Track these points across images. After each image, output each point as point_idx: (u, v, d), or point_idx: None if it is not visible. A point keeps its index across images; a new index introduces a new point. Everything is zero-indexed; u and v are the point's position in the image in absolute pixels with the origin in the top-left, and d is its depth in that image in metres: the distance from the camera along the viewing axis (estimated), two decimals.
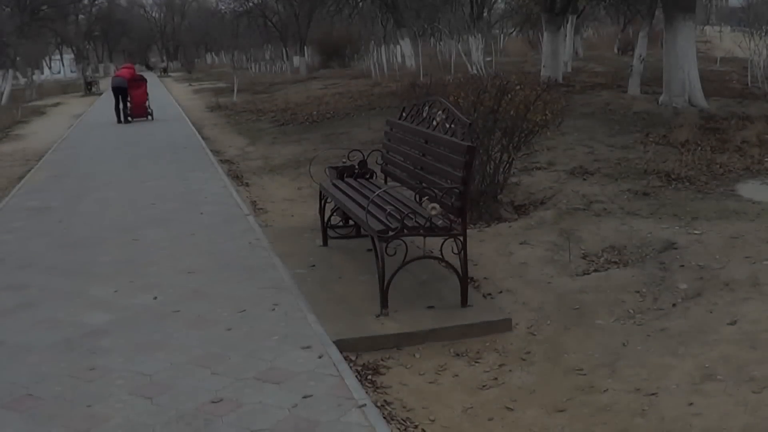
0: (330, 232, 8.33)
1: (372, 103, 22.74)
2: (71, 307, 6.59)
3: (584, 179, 10.95)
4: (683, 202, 9.41)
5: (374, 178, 8.45)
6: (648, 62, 20.78)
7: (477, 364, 5.66)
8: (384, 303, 6.19)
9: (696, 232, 7.91)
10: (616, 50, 40.19)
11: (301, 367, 5.26)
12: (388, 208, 6.44)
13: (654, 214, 8.83)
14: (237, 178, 13.43)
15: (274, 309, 6.38)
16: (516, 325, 6.21)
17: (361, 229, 8.39)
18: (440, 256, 6.40)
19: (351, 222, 8.54)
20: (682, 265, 6.96)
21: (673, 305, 6.35)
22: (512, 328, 6.16)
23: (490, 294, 6.88)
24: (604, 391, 5.15)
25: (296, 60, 52.21)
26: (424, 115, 7.45)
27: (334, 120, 20.36)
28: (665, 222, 8.43)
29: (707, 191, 10.06)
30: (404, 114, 8.09)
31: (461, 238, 6.26)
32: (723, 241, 7.53)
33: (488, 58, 31.86)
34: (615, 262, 7.53)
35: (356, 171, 8.39)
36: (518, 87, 9.32)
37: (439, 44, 42.57)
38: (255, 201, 11.47)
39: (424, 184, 6.60)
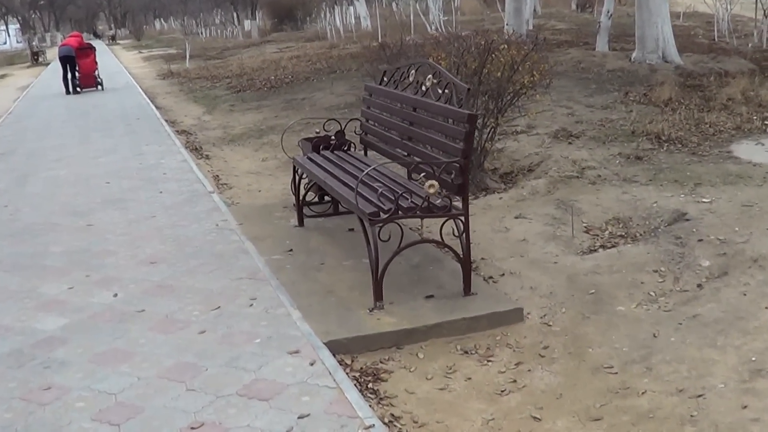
0: (304, 210, 7.55)
1: (332, 66, 21.94)
2: (20, 310, 5.77)
3: (569, 143, 10.29)
4: (680, 166, 8.79)
5: (353, 149, 7.69)
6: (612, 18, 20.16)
7: (490, 364, 4.96)
8: (378, 295, 5.46)
9: (705, 200, 7.27)
10: (574, 6, 39.58)
11: (291, 377, 4.52)
12: (378, 186, 5.71)
13: (653, 181, 8.19)
14: (196, 150, 12.56)
15: (252, 305, 5.62)
16: (527, 315, 5.51)
17: (339, 206, 7.66)
18: (440, 240, 5.67)
19: (327, 198, 7.80)
20: (701, 240, 6.31)
21: (698, 286, 5.70)
22: (524, 319, 5.47)
23: (491, 277, 6.18)
24: (642, 393, 4.48)
25: (247, 24, 50.95)
26: (411, 79, 6.68)
27: (293, 85, 19.52)
28: (668, 189, 7.79)
29: (702, 153, 9.44)
30: (385, 78, 7.31)
31: (462, 219, 5.54)
32: (736, 210, 6.90)
33: (444, 18, 31.13)
34: (622, 236, 6.87)
35: (332, 142, 7.61)
36: (503, 46, 8.56)
37: (395, 4, 41.62)
38: (217, 175, 10.64)
39: (418, 159, 5.83)
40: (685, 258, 6.10)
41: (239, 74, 23.15)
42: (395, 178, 6.21)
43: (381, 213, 5.34)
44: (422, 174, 5.48)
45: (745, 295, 5.36)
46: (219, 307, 5.61)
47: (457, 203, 5.58)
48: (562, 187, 8.20)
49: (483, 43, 8.49)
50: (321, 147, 7.56)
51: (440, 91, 6.08)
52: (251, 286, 5.98)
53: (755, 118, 11.12)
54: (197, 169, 10.42)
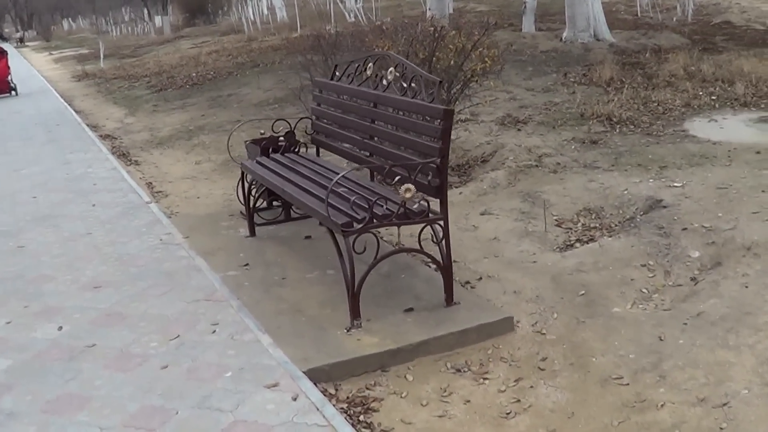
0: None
1: (254, 60, 21.27)
2: None
3: (518, 129, 9.93)
4: (639, 148, 8.50)
5: (305, 151, 7.18)
6: None
7: (487, 382, 4.52)
8: (355, 312, 4.98)
9: (676, 184, 6.97)
10: None
11: (274, 416, 4.03)
12: (343, 191, 5.23)
13: (615, 166, 7.87)
14: (123, 156, 11.84)
15: (214, 331, 5.08)
16: (517, 323, 5.09)
17: (292, 211, 7.15)
18: (419, 248, 5.20)
19: (276, 203, 7.29)
20: (685, 228, 5.97)
21: (692, 279, 5.36)
22: (514, 328, 5.04)
23: (468, 282, 5.74)
24: (661, 405, 4.09)
25: (159, 20, 49.70)
26: (369, 73, 6.18)
27: (217, 81, 18.81)
28: (634, 174, 7.48)
29: (657, 134, 9.18)
30: (338, 73, 6.80)
31: (441, 223, 5.09)
32: (712, 193, 6.60)
33: (359, 5, 30.63)
34: (596, 228, 6.52)
35: (281, 144, 7.08)
36: (453, 32, 8.14)
37: None
38: (150, 182, 9.98)
39: (392, 162, 5.34)
40: (672, 249, 5.75)
41: (158, 72, 22.30)
42: (359, 180, 5.73)
43: (354, 223, 4.86)
44: (396, 178, 4.98)
45: (746, 287, 5.03)
46: (178, 335, 5.06)
47: (435, 207, 5.12)
48: (523, 178, 7.82)
49: (432, 30, 8.04)
50: (270, 149, 7.03)
51: (405, 85, 5.61)
52: (210, 308, 5.45)
53: (702, 93, 10.92)
54: (129, 177, 9.77)
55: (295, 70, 17.23)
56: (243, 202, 6.97)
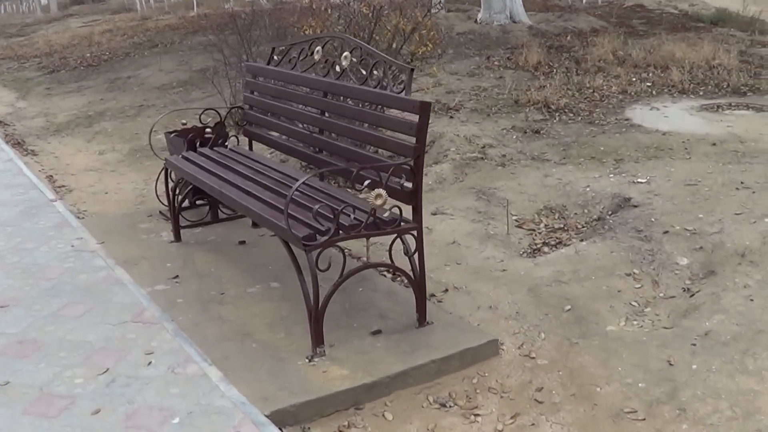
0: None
1: (152, 39, 20.15)
2: None
3: (451, 117, 9.32)
4: (586, 139, 8.02)
5: (236, 143, 6.43)
6: None
7: (479, 419, 3.89)
8: (318, 339, 4.29)
9: (640, 180, 6.47)
10: None
11: None
12: (295, 196, 4.51)
13: (567, 159, 7.36)
14: (18, 145, 10.76)
15: (150, 363, 4.31)
16: (502, 346, 4.47)
17: (219, 211, 6.41)
18: (390, 262, 4.52)
19: (201, 201, 6.54)
20: (666, 231, 5.45)
21: (686, 291, 4.84)
22: (499, 351, 4.43)
23: (434, 296, 5.09)
24: None
25: None
26: (317, 57, 5.45)
27: (113, 62, 17.66)
28: (590, 169, 6.97)
29: (600, 123, 8.73)
30: (276, 57, 6.04)
31: (415, 233, 4.43)
32: (682, 190, 6.12)
33: None
34: (561, 229, 5.97)
35: (210, 136, 6.30)
36: (389, 13, 7.48)
37: None
38: (51, 176, 8.99)
39: (360, 166, 4.62)
40: (656, 256, 5.22)
41: (49, 53, 20.92)
42: (310, 183, 5.00)
43: (318, 235, 4.15)
44: (366, 182, 4.29)
45: (751, 300, 4.53)
46: (107, 369, 4.27)
47: (407, 214, 4.45)
48: (470, 173, 7.23)
49: (369, 10, 7.36)
50: (197, 143, 6.24)
51: (364, 72, 4.91)
52: (141, 333, 4.66)
53: (636, 80, 10.55)
54: (28, 170, 8.78)
55: (197, 51, 16.34)
56: (167, 203, 6.19)
